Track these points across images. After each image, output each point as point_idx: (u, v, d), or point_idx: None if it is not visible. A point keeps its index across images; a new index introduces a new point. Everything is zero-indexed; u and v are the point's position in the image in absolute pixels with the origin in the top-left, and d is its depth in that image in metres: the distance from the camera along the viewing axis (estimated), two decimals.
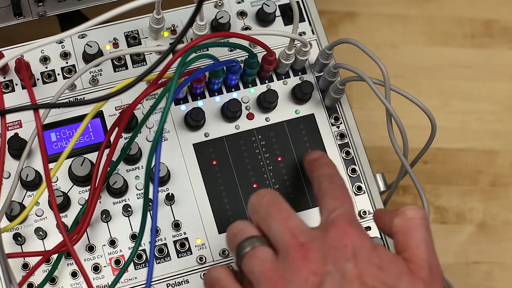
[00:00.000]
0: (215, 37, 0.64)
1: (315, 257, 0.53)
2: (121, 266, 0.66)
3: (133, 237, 0.67)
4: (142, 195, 0.68)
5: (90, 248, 0.67)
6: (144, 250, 0.67)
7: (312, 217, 0.70)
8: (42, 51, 0.71)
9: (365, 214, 0.70)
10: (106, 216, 0.66)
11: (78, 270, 0.64)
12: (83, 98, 0.70)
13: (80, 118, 0.69)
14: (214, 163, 0.70)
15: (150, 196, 0.59)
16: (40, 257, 0.63)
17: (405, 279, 0.53)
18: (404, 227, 0.56)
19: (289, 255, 0.53)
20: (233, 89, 0.72)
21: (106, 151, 0.66)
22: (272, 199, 0.57)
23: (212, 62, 0.66)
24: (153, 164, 0.58)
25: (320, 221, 0.57)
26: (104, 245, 0.67)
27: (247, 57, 0.69)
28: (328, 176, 0.61)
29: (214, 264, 0.67)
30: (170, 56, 0.71)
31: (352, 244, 0.53)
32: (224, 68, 0.69)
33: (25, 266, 0.65)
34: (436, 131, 0.68)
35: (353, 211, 0.57)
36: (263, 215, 0.56)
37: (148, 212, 0.63)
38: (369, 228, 0.70)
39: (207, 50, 0.71)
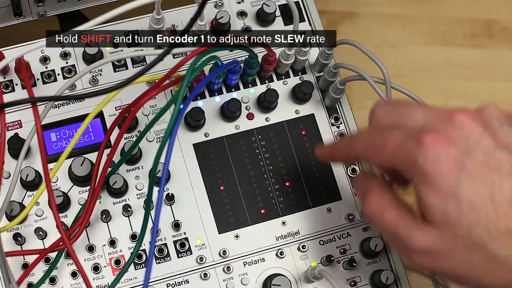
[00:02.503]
0: (222, 46, 0.64)
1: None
2: (121, 266, 0.66)
3: (133, 237, 0.67)
4: (142, 195, 0.68)
5: (90, 248, 0.67)
6: (144, 250, 0.67)
7: (312, 217, 0.70)
8: (42, 51, 0.71)
9: None
10: (106, 216, 0.66)
11: (77, 268, 0.64)
12: (83, 98, 0.70)
13: (80, 118, 0.69)
14: (214, 163, 0.70)
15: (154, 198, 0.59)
16: (37, 255, 0.63)
17: None
18: None
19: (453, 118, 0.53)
20: (233, 89, 0.72)
21: (107, 151, 0.66)
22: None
23: (215, 61, 0.66)
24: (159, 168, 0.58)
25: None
26: (104, 245, 0.67)
27: (247, 57, 0.69)
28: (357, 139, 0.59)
29: (214, 264, 0.67)
30: (171, 58, 0.71)
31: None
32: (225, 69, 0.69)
33: (25, 266, 0.65)
34: None
35: None
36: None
37: (150, 213, 0.63)
38: (367, 228, 0.70)
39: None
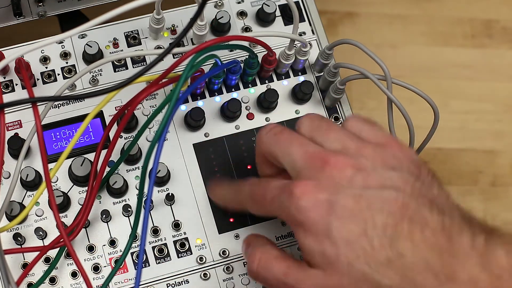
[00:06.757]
0: (220, 41, 0.64)
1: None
2: (121, 266, 0.66)
3: (134, 237, 0.67)
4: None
5: (90, 248, 0.67)
6: (144, 250, 0.67)
7: None
8: (42, 51, 0.71)
9: None
10: (106, 216, 0.66)
11: (77, 268, 0.64)
12: (83, 98, 0.70)
13: (80, 118, 0.69)
14: (214, 163, 0.70)
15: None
16: (37, 253, 0.63)
17: None
18: None
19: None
20: (233, 89, 0.72)
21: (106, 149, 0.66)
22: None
23: (214, 61, 0.66)
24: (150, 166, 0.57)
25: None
26: (104, 245, 0.67)
27: (247, 57, 0.69)
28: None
29: (214, 264, 0.67)
30: (171, 58, 0.71)
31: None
32: (224, 68, 0.69)
33: (25, 266, 0.65)
34: (436, 130, 0.68)
35: None
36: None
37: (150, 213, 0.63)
38: None
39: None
